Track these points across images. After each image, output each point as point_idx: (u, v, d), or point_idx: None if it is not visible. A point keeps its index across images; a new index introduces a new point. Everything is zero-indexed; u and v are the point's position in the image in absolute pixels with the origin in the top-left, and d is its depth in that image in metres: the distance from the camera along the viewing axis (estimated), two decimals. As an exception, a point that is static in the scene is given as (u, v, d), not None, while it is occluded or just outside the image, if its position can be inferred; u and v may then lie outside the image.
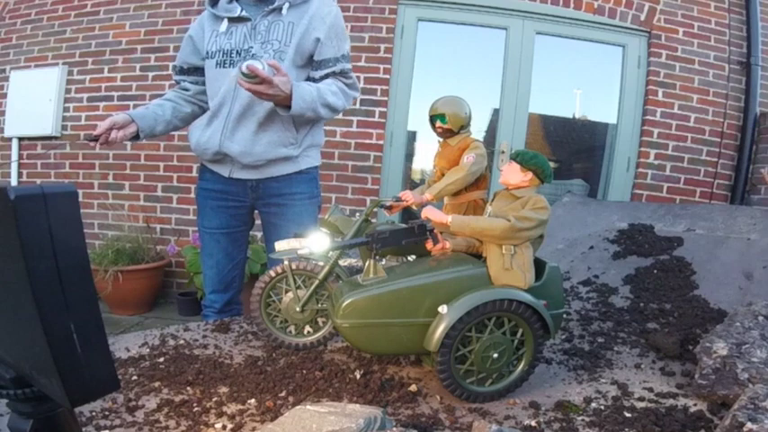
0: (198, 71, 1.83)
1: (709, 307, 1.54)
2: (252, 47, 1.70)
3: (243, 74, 1.49)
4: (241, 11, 1.73)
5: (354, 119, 3.63)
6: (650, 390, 1.11)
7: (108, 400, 1.01)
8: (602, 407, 1.03)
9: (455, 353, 1.04)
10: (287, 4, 1.71)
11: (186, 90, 1.86)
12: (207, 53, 1.76)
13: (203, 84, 1.83)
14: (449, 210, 1.56)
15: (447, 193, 1.51)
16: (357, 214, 1.31)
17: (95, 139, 1.65)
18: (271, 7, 1.71)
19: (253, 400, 1.03)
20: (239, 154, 1.72)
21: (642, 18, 3.72)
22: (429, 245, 1.16)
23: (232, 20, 1.73)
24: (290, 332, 1.33)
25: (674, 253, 1.88)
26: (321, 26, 1.72)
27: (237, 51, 1.72)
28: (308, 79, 1.77)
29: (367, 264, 1.10)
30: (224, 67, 1.73)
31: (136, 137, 1.72)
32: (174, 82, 1.90)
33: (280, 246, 1.32)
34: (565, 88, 4.07)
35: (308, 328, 1.33)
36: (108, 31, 3.89)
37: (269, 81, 1.50)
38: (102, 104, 3.89)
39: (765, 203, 3.52)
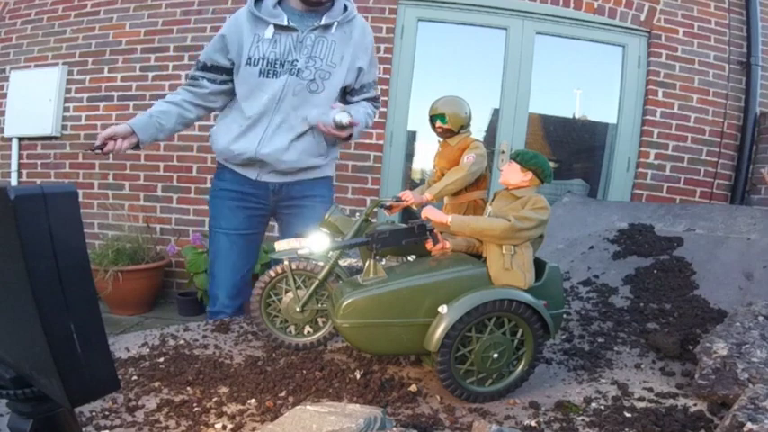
0: (219, 70, 1.80)
1: (709, 307, 1.54)
2: (297, 60, 1.73)
3: (337, 124, 1.72)
4: (288, 20, 1.72)
5: (354, 119, 3.62)
6: (650, 390, 1.11)
7: (108, 400, 1.01)
8: (602, 407, 1.03)
9: (455, 353, 1.04)
10: (336, 24, 1.74)
11: (201, 89, 1.81)
12: (249, 59, 1.74)
13: (221, 83, 1.80)
14: (449, 210, 1.56)
15: (447, 193, 1.51)
16: (357, 214, 1.31)
17: (98, 148, 1.63)
18: (321, 24, 1.73)
19: (253, 400, 1.03)
20: (274, 161, 1.78)
21: (642, 18, 3.72)
22: (429, 245, 1.16)
23: (278, 27, 1.72)
24: (290, 332, 1.33)
25: (674, 253, 1.88)
26: (364, 56, 1.82)
27: (281, 62, 1.73)
28: (344, 101, 1.87)
29: (367, 264, 1.10)
30: (267, 76, 1.74)
31: (136, 146, 1.71)
32: (189, 77, 1.84)
33: (280, 246, 1.32)
34: (565, 88, 4.07)
35: (308, 328, 1.33)
36: (108, 31, 3.89)
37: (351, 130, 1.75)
38: (102, 104, 3.89)
39: (765, 203, 3.52)
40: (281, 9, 1.76)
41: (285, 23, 1.72)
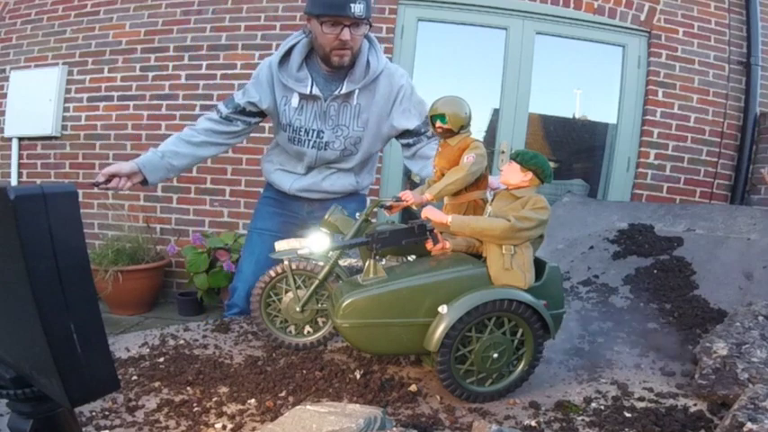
0: (254, 114, 1.80)
1: (709, 307, 1.54)
2: (323, 131, 1.73)
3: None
4: (312, 86, 1.69)
5: (354, 119, 3.63)
6: (650, 390, 1.11)
7: (108, 400, 1.01)
8: (602, 407, 1.03)
9: (455, 353, 1.04)
10: (357, 91, 1.70)
11: (234, 126, 1.79)
12: (279, 123, 1.77)
13: (255, 124, 1.84)
14: (449, 210, 1.56)
15: (447, 193, 1.51)
16: (357, 214, 1.31)
17: (101, 184, 1.60)
18: (342, 92, 1.69)
19: (253, 400, 1.03)
20: (309, 194, 1.87)
21: (642, 18, 3.72)
22: (429, 245, 1.16)
23: (303, 95, 1.71)
24: (290, 332, 1.33)
25: (674, 253, 1.88)
26: (389, 107, 1.75)
27: (306, 130, 1.73)
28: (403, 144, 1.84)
29: (367, 264, 1.10)
30: (294, 143, 1.77)
31: (144, 182, 1.70)
32: (221, 116, 1.79)
33: (280, 246, 1.32)
34: (565, 88, 4.07)
35: (308, 328, 1.33)
36: (108, 31, 3.89)
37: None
38: (102, 104, 3.89)
39: (765, 203, 3.52)
40: (307, 70, 1.71)
41: (308, 92, 1.69)
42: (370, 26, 1.68)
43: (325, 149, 1.76)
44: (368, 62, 1.70)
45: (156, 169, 1.69)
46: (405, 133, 1.79)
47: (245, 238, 2.02)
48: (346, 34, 1.58)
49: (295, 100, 1.71)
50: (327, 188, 1.85)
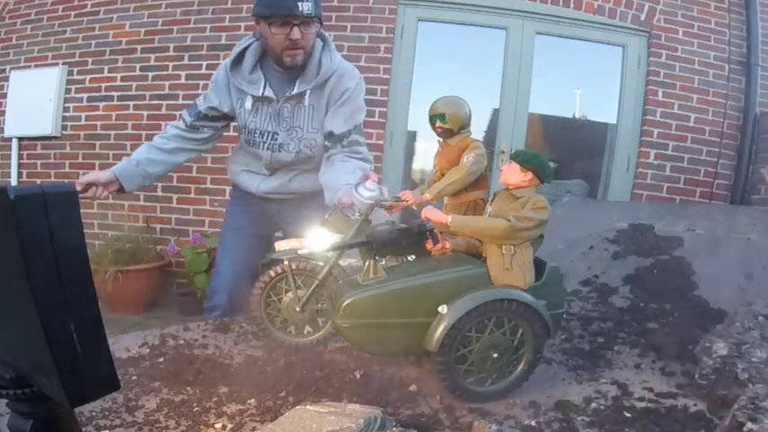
0: (219, 119, 1.78)
1: (710, 307, 1.54)
2: (277, 133, 1.71)
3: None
4: (265, 87, 1.67)
5: (354, 119, 3.62)
6: (650, 390, 1.11)
7: (108, 400, 1.01)
8: (602, 407, 1.03)
9: (455, 353, 1.04)
10: (308, 92, 1.68)
11: (201, 133, 1.78)
12: (239, 126, 1.77)
13: (222, 128, 1.82)
14: (449, 210, 1.56)
15: (447, 193, 1.51)
16: (357, 214, 1.31)
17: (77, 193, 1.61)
18: (293, 93, 1.67)
19: (253, 400, 1.03)
20: (277, 195, 1.83)
21: (642, 18, 3.72)
22: (429, 245, 1.16)
23: (256, 97, 1.69)
24: (290, 332, 1.33)
25: (674, 253, 1.88)
26: (338, 108, 1.71)
27: (261, 132, 1.72)
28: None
29: (367, 264, 1.10)
30: (251, 146, 1.76)
31: (120, 190, 1.70)
32: (186, 124, 1.76)
33: (280, 246, 1.32)
34: (565, 88, 4.07)
35: (307, 328, 1.33)
36: (108, 31, 3.89)
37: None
38: (102, 104, 3.88)
39: (765, 203, 3.52)
40: (261, 72, 1.69)
41: (260, 94, 1.67)
42: (321, 24, 1.66)
43: (280, 151, 1.73)
44: (320, 62, 1.67)
45: (132, 177, 1.69)
46: (327, 135, 1.71)
47: (220, 238, 1.99)
48: (296, 33, 1.56)
49: (248, 102, 1.70)
50: (296, 189, 1.81)
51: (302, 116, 1.71)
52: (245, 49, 1.70)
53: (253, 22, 1.73)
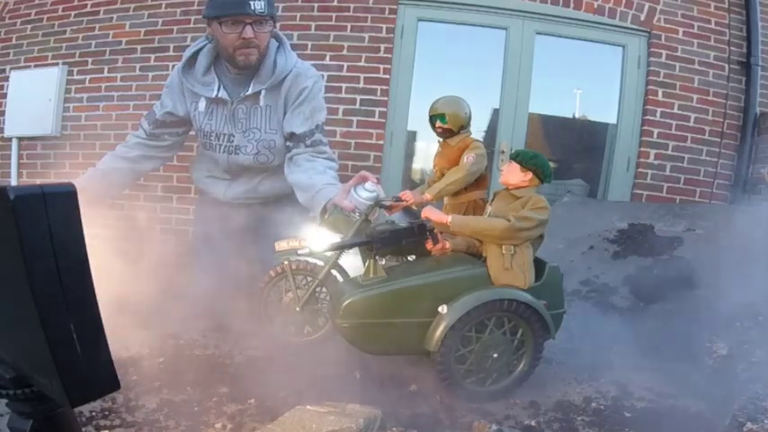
0: (178, 124, 1.76)
1: (710, 307, 1.54)
2: (233, 135, 1.67)
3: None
4: (219, 89, 1.63)
5: (354, 119, 3.62)
6: (650, 390, 1.11)
7: (108, 400, 1.01)
8: (602, 407, 1.03)
9: (455, 353, 1.04)
10: (263, 92, 1.64)
11: (162, 142, 1.77)
12: (196, 130, 1.74)
13: (181, 134, 1.80)
14: (449, 210, 1.56)
15: (447, 192, 1.51)
16: (357, 214, 1.31)
17: None
18: (248, 94, 1.64)
19: (253, 400, 1.03)
20: (245, 200, 1.80)
21: (642, 18, 3.72)
22: (429, 245, 1.16)
23: (210, 99, 1.66)
24: (291, 332, 1.33)
25: (674, 253, 1.88)
26: (297, 108, 1.67)
27: (217, 135, 1.69)
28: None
29: (367, 264, 1.10)
30: (207, 149, 1.73)
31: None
32: (147, 133, 1.75)
33: (280, 246, 1.32)
34: (565, 88, 4.07)
35: (307, 328, 1.33)
36: (108, 31, 3.88)
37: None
38: (101, 104, 3.88)
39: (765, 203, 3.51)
40: (215, 74, 1.66)
41: (214, 96, 1.64)
42: (275, 23, 1.63)
43: (237, 154, 1.69)
44: (275, 62, 1.65)
45: (99, 187, 1.71)
46: (289, 136, 1.69)
47: (191, 244, 1.95)
48: (249, 32, 1.53)
49: (202, 104, 1.67)
50: (267, 192, 1.77)
51: (258, 117, 1.67)
52: (198, 51, 1.67)
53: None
